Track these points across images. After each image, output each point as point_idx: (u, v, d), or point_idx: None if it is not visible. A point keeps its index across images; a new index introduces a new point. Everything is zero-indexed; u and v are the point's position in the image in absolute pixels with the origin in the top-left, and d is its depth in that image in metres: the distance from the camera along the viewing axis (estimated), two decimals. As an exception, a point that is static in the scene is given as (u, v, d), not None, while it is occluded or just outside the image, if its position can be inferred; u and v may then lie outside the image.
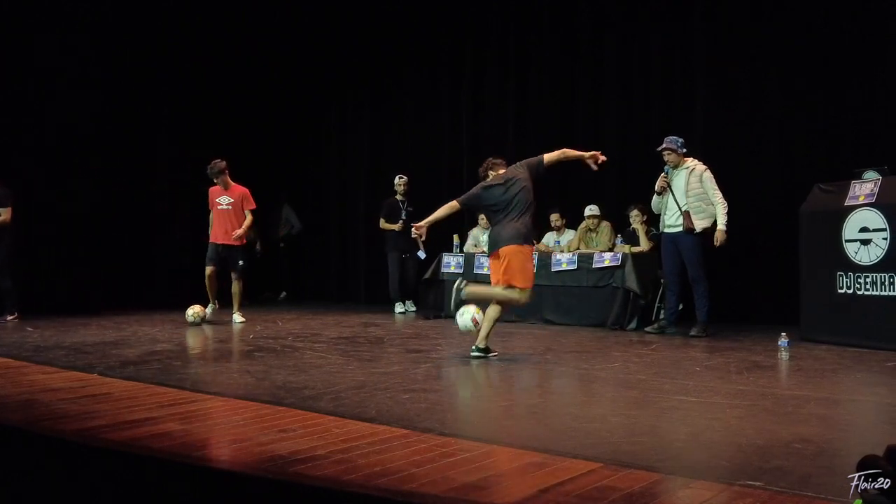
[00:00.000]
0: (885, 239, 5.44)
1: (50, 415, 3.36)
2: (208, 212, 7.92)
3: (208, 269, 7.70)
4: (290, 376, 4.37)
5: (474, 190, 5.42)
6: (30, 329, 6.90)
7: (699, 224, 6.37)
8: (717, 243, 6.34)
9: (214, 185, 7.77)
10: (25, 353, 5.34)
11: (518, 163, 5.42)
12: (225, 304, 7.98)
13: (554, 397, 4.19)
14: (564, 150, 5.33)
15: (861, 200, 5.67)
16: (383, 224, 9.23)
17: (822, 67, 7.34)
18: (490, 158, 5.55)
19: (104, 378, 4.38)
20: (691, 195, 6.43)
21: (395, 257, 9.20)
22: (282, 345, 5.87)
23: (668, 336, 6.49)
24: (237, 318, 7.74)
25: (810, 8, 7.44)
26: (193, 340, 6.42)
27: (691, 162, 6.53)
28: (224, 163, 7.73)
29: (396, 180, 9.28)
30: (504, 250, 5.12)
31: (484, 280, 8.05)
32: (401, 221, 9.11)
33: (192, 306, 7.54)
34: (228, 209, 7.70)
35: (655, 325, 6.79)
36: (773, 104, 7.67)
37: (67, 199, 9.40)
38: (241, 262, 7.78)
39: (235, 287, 7.84)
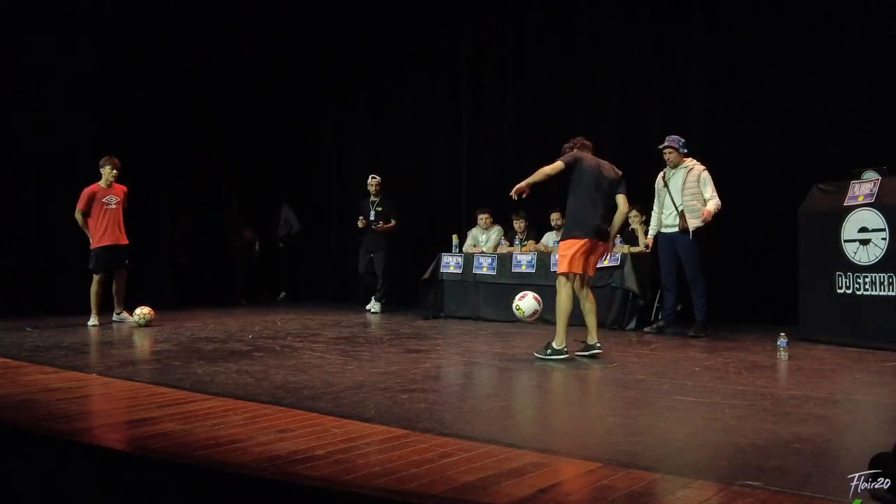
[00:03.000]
0: (885, 239, 5.44)
1: (49, 415, 3.36)
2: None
3: (100, 277, 7.39)
4: (290, 376, 4.37)
5: (576, 153, 5.16)
6: (29, 329, 6.90)
7: (693, 223, 6.38)
8: (701, 219, 6.26)
9: (92, 183, 7.46)
10: (24, 353, 5.34)
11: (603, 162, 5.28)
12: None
13: (553, 397, 4.19)
14: None
15: (860, 201, 5.67)
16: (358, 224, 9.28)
17: (822, 67, 7.35)
18: (581, 139, 5.34)
19: (103, 378, 4.38)
20: (687, 195, 6.43)
21: (361, 255, 9.26)
22: (281, 345, 5.87)
23: (667, 336, 6.49)
24: (126, 316, 7.48)
25: (810, 8, 7.45)
26: (191, 341, 6.42)
27: (690, 162, 6.53)
28: None
29: (369, 180, 9.26)
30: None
31: (483, 280, 8.07)
32: (361, 219, 9.09)
33: (138, 308, 7.30)
34: (115, 209, 7.45)
35: (654, 326, 6.79)
36: (773, 104, 7.68)
37: (66, 199, 9.39)
38: (127, 261, 7.57)
39: (122, 285, 7.53)
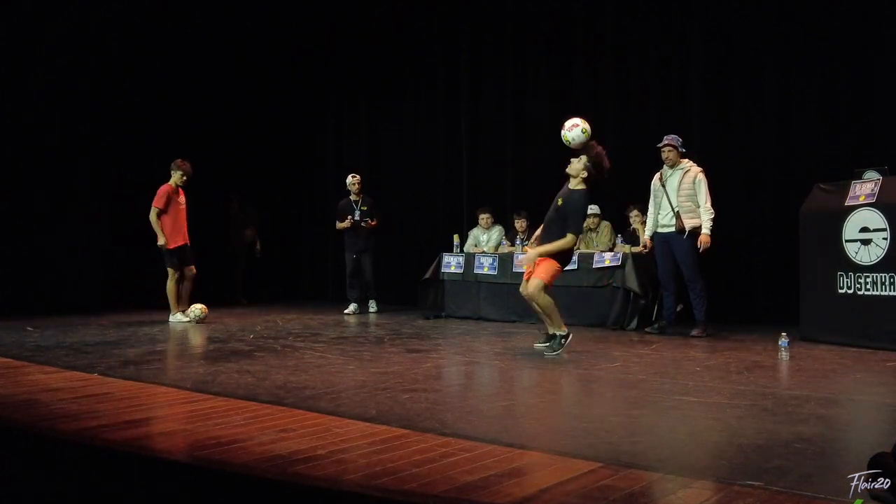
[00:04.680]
0: (886, 239, 5.44)
1: (50, 415, 3.36)
2: (161, 211, 7.58)
3: (175, 274, 7.64)
4: (291, 376, 4.37)
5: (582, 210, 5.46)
6: (30, 329, 6.90)
7: (689, 223, 6.41)
8: (700, 247, 6.37)
9: (166, 184, 7.70)
10: (26, 353, 5.35)
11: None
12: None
13: (554, 397, 4.19)
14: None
15: (861, 200, 5.67)
16: (338, 225, 9.05)
17: (822, 66, 7.35)
18: (597, 158, 5.33)
19: (105, 378, 4.39)
20: (682, 196, 6.47)
21: (348, 257, 9.06)
22: (282, 345, 5.88)
23: (668, 336, 6.49)
24: (181, 316, 7.64)
25: (810, 7, 7.45)
26: (193, 340, 6.43)
27: (686, 163, 6.56)
28: None
29: (349, 179, 9.02)
30: None
31: (484, 280, 8.08)
32: (349, 218, 8.89)
33: (194, 305, 7.51)
34: (184, 208, 7.80)
35: (655, 326, 6.79)
36: (773, 103, 7.68)
37: (64, 198, 9.42)
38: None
39: (192, 285, 7.80)
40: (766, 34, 7.68)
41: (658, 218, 6.68)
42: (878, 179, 5.66)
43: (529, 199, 8.93)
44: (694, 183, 6.44)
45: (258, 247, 10.97)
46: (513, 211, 8.65)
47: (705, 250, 6.39)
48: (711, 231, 6.38)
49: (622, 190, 8.28)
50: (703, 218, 6.41)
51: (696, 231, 6.42)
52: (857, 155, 6.69)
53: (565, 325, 5.35)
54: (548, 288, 5.31)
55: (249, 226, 10.94)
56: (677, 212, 6.46)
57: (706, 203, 6.41)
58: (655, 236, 6.73)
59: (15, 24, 8.94)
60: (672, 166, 6.56)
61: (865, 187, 5.71)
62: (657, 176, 6.70)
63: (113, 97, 9.75)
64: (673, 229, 6.50)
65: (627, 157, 8.43)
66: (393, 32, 10.70)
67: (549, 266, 5.30)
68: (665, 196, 6.56)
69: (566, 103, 9.11)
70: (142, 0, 9.94)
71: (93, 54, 9.61)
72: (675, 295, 6.68)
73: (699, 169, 6.51)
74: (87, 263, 9.61)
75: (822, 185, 6.16)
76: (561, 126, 5.46)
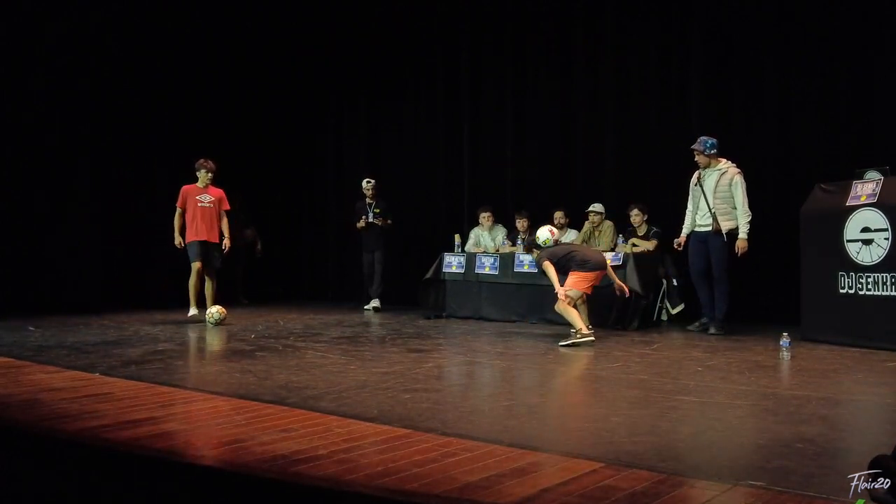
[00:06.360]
0: (887, 239, 5.44)
1: (52, 414, 3.36)
2: (174, 210, 7.64)
3: (198, 265, 7.60)
4: (292, 376, 4.38)
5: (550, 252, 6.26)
6: (31, 328, 6.90)
7: (725, 225, 6.45)
8: (738, 252, 6.42)
9: (189, 183, 7.75)
10: (27, 353, 5.35)
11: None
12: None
13: (555, 397, 4.19)
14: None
15: (862, 200, 5.67)
16: (357, 226, 9.44)
17: (823, 67, 7.34)
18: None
19: (106, 378, 4.39)
20: (718, 198, 6.49)
21: (365, 258, 9.48)
22: (283, 344, 5.88)
23: (668, 335, 6.50)
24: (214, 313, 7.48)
25: (810, 7, 7.44)
26: (195, 340, 6.43)
27: (724, 164, 6.58)
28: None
29: (364, 184, 9.40)
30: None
31: (485, 280, 8.08)
32: (363, 218, 9.29)
33: (211, 307, 7.44)
34: (209, 207, 7.70)
35: (697, 324, 6.81)
36: (773, 103, 7.67)
37: (63, 197, 9.42)
38: (218, 259, 7.82)
39: (214, 285, 7.74)
40: (766, 34, 7.68)
41: (696, 218, 6.69)
42: (880, 179, 5.66)
43: (529, 199, 8.94)
44: (730, 185, 6.48)
45: (258, 247, 10.97)
46: (513, 211, 8.65)
47: (743, 254, 6.42)
48: (749, 234, 6.42)
49: (622, 190, 8.27)
50: (740, 221, 6.44)
51: (731, 233, 6.46)
52: (857, 155, 6.68)
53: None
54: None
55: (250, 225, 10.94)
56: (714, 213, 6.49)
57: (743, 206, 6.45)
58: (693, 235, 6.74)
59: (15, 24, 8.92)
60: (706, 167, 6.58)
61: (867, 187, 5.71)
62: (695, 176, 6.73)
63: (113, 97, 9.74)
64: (710, 229, 6.53)
65: (628, 157, 8.44)
66: (393, 32, 10.69)
67: (575, 277, 6.12)
68: (703, 196, 6.58)
69: (566, 103, 9.11)
70: (142, 0, 9.93)
71: (93, 54, 9.60)
72: (709, 290, 6.68)
73: (737, 170, 6.53)
74: (87, 263, 9.59)
75: (822, 186, 6.16)
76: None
